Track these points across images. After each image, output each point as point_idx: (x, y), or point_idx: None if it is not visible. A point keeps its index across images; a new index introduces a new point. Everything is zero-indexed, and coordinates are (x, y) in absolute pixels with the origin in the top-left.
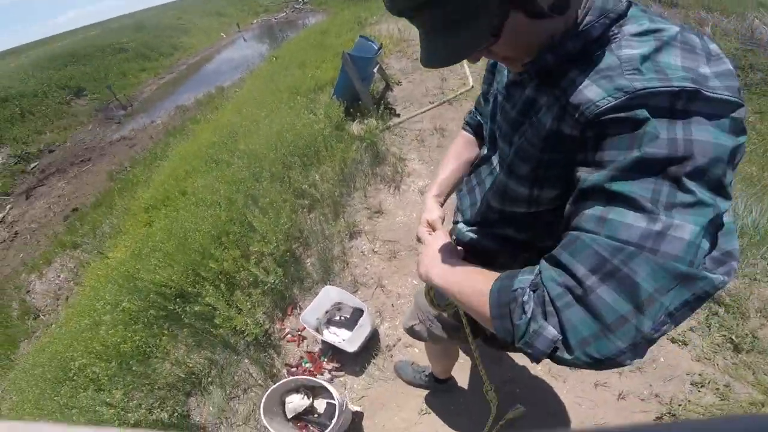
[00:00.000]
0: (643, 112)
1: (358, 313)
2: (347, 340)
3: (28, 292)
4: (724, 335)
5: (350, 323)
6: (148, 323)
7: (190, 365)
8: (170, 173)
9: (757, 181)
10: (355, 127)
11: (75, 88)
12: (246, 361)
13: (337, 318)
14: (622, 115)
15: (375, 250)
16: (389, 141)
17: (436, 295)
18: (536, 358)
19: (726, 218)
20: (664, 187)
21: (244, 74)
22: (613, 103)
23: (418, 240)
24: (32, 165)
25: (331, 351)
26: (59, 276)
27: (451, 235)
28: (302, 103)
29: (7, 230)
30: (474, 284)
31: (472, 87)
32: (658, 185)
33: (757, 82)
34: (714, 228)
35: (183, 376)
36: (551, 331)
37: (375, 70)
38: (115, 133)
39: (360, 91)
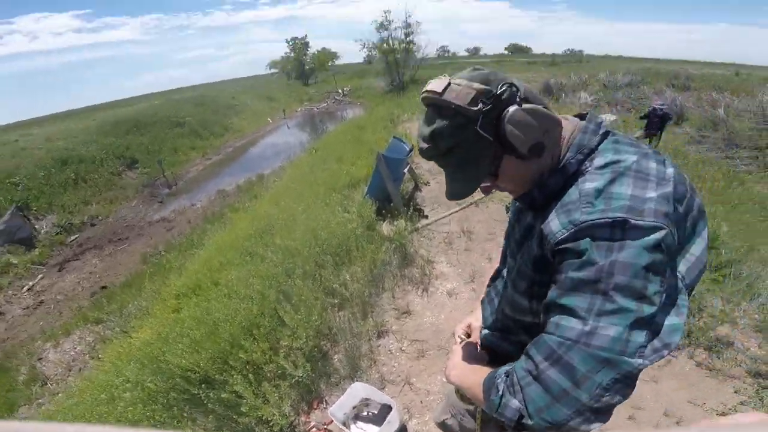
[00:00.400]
0: (586, 242)
1: (385, 409)
2: None
3: (40, 359)
4: None
5: (378, 419)
6: (168, 405)
7: None
8: (204, 263)
9: None
10: (386, 228)
11: (129, 159)
12: None
13: (365, 413)
14: (570, 245)
15: (403, 348)
16: (417, 243)
17: None
18: (508, 425)
19: (674, 319)
20: (596, 299)
21: (285, 163)
22: (565, 235)
23: (454, 336)
24: (72, 237)
25: None
26: (75, 348)
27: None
28: (337, 200)
29: (33, 298)
30: (477, 379)
31: None
32: (592, 299)
33: None
34: (648, 327)
35: None
36: (515, 403)
37: (405, 170)
38: (156, 213)
39: (391, 192)
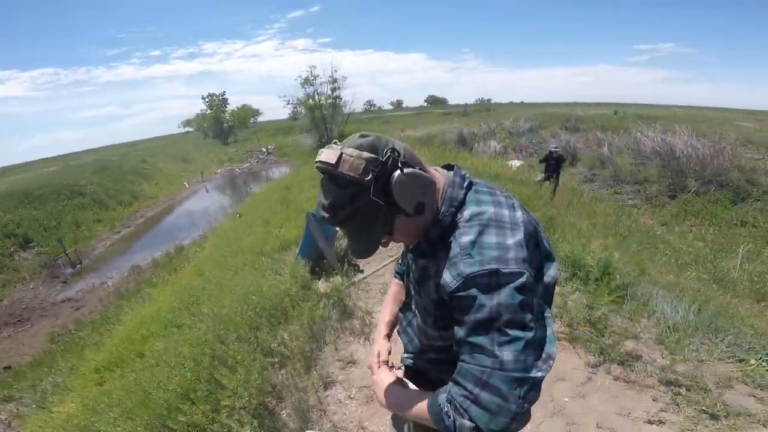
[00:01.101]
0: (474, 291)
1: None
2: None
3: None
4: (695, 408)
5: None
6: None
7: None
8: (125, 337)
9: (675, 286)
10: (322, 285)
11: (22, 237)
12: None
13: None
14: (462, 294)
15: (351, 396)
16: (355, 296)
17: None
18: None
19: (547, 332)
20: (495, 335)
21: (206, 231)
22: (457, 285)
23: (370, 369)
24: None
25: None
26: None
27: (401, 361)
28: (267, 264)
29: None
30: (419, 406)
31: None
32: (491, 335)
33: (655, 194)
34: (534, 346)
35: None
36: (467, 423)
37: (337, 228)
38: (59, 294)
39: (324, 251)
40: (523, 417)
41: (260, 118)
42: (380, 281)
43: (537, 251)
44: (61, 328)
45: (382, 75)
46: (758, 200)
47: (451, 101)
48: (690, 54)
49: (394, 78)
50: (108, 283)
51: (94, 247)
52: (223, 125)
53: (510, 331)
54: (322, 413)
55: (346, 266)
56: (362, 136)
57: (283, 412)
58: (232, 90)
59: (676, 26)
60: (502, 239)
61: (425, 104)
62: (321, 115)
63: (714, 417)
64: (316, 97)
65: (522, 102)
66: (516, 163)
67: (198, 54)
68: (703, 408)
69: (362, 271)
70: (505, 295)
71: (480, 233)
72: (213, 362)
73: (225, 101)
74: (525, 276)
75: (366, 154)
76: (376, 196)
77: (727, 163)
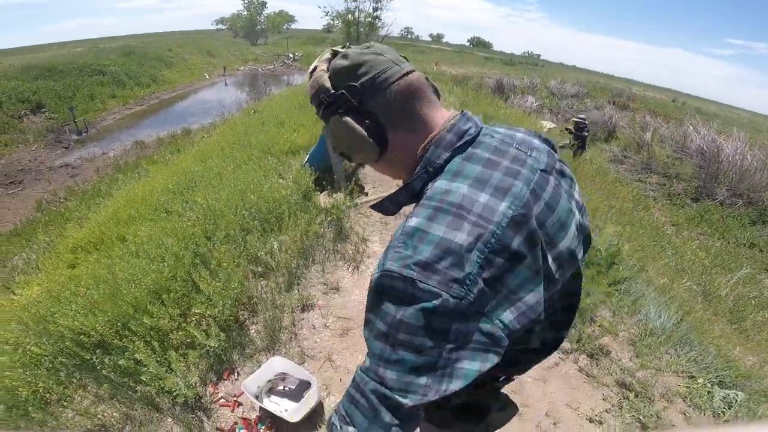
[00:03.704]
0: (384, 290)
1: (304, 385)
2: (291, 410)
3: None
4: (634, 416)
5: (294, 394)
6: (54, 369)
7: (101, 417)
8: (111, 215)
9: (668, 291)
10: (323, 199)
11: (35, 104)
12: (169, 420)
13: (281, 388)
14: (374, 289)
15: (327, 325)
16: (354, 219)
17: None
18: None
19: (469, 364)
20: (386, 349)
21: (217, 120)
22: (375, 276)
23: None
24: None
25: (269, 420)
26: None
27: None
28: (272, 164)
29: None
30: None
31: None
32: (383, 347)
33: (678, 193)
34: (423, 371)
35: (91, 428)
36: (351, 429)
37: None
38: (59, 159)
39: (334, 164)
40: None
41: (294, 26)
42: None
43: (533, 252)
44: (52, 194)
45: (427, 5)
46: None
47: (497, 47)
48: None
49: (440, 12)
50: (109, 155)
51: (104, 119)
52: (255, 27)
53: (401, 352)
54: (293, 336)
55: (351, 185)
56: (348, 49)
57: (253, 327)
58: None
59: None
60: (450, 235)
61: (467, 44)
62: (357, 31)
63: (644, 427)
64: (356, 13)
65: (575, 66)
66: (548, 124)
67: None
68: (640, 417)
69: (367, 194)
70: (410, 314)
71: (431, 218)
72: (195, 260)
73: (264, 4)
74: (440, 300)
75: (323, 80)
76: (323, 118)
77: (766, 180)
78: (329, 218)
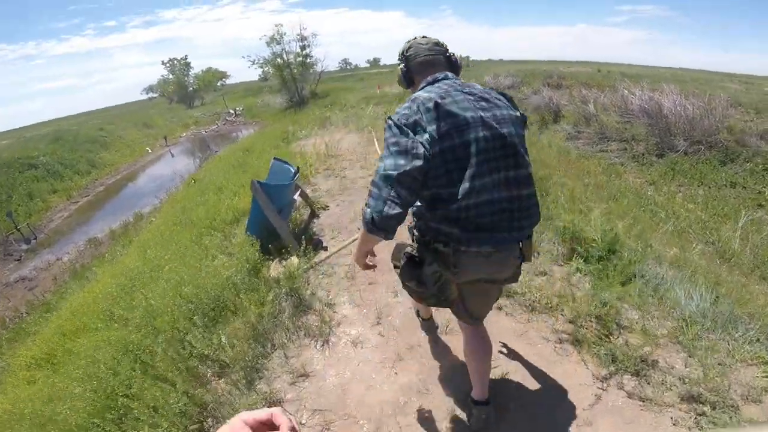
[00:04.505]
0: (386, 126)
1: None
2: None
3: None
4: None
5: None
6: None
7: None
8: (57, 328)
9: (684, 264)
10: (274, 269)
11: None
12: None
13: None
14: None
15: (303, 422)
16: (315, 282)
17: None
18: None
19: (398, 158)
20: (385, 150)
21: (163, 199)
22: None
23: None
24: None
25: None
26: None
27: None
28: (215, 241)
29: None
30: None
31: None
32: (385, 150)
33: (641, 153)
34: (398, 155)
35: None
36: (366, 209)
37: (296, 195)
38: (13, 273)
39: (276, 226)
40: (397, 203)
41: (229, 81)
42: (347, 261)
43: (448, 119)
44: (13, 311)
45: (357, 34)
46: (748, 161)
47: None
48: (670, 17)
49: (371, 37)
50: (63, 259)
51: (51, 219)
52: (187, 89)
53: (389, 149)
54: None
55: (305, 243)
56: (423, 37)
57: None
58: (195, 54)
59: None
60: (404, 106)
61: None
62: (291, 74)
63: None
64: (284, 56)
65: (501, 59)
66: None
67: (156, 21)
68: None
69: (326, 248)
70: (390, 131)
71: (406, 102)
72: (133, 370)
73: (188, 65)
74: (391, 122)
75: (405, 46)
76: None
77: (717, 124)
78: (284, 290)
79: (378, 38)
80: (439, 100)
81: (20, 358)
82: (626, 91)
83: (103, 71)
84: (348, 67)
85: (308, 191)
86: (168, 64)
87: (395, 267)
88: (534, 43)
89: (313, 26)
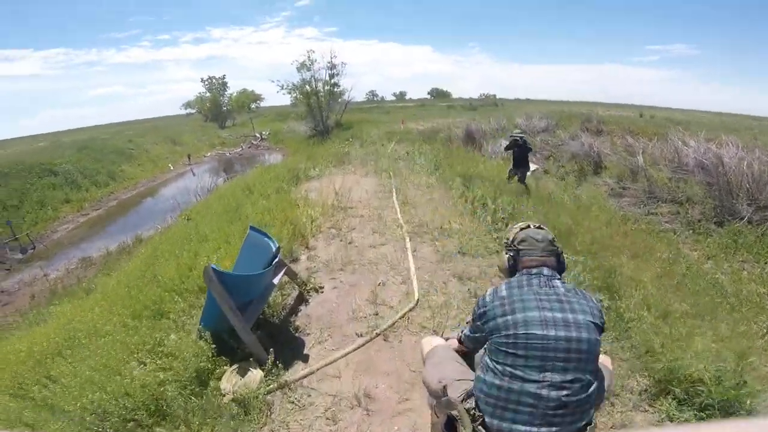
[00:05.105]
0: (474, 308)
1: None
2: None
3: None
4: None
5: None
6: None
7: None
8: None
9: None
10: (227, 380)
11: None
12: None
13: None
14: None
15: None
16: (280, 416)
17: None
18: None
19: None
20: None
21: (153, 233)
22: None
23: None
24: None
25: None
26: None
27: None
28: (168, 324)
29: None
30: None
31: (418, 302)
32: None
33: (697, 219)
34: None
35: None
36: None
37: (276, 279)
38: None
39: (236, 327)
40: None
41: (264, 104)
42: (331, 388)
43: (511, 315)
44: None
45: (386, 66)
46: None
47: (455, 95)
48: (699, 56)
49: (398, 69)
50: (51, 276)
51: (55, 230)
52: (221, 108)
53: (469, 323)
54: None
55: (273, 354)
56: (523, 229)
57: None
58: (240, 75)
59: (687, 27)
60: (489, 293)
61: (428, 96)
62: (317, 102)
63: None
64: (313, 83)
65: (528, 99)
66: (532, 167)
67: (206, 39)
68: None
69: (306, 358)
70: (475, 306)
71: (491, 288)
72: None
73: (224, 84)
74: (476, 305)
75: (509, 234)
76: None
77: None
78: (238, 416)
79: (405, 71)
80: (506, 298)
81: None
82: (679, 142)
83: (156, 83)
84: (375, 98)
85: (303, 259)
86: (206, 82)
87: (432, 409)
88: (558, 80)
89: (344, 56)
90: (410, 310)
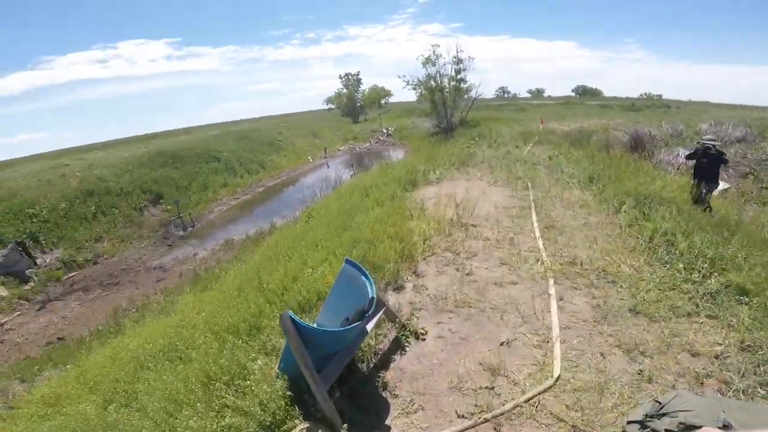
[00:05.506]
0: None
1: None
2: None
3: None
4: None
5: None
6: None
7: None
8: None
9: None
10: None
11: (155, 194)
12: None
13: None
14: None
15: None
16: None
17: None
18: None
19: None
20: None
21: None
22: None
23: None
24: (69, 275)
25: None
26: None
27: None
28: (260, 343)
29: None
30: None
31: (558, 379)
32: None
33: None
34: None
35: None
36: None
37: (371, 324)
38: (158, 259)
39: (313, 390)
40: None
41: (392, 100)
42: None
43: None
44: (129, 302)
45: (518, 62)
46: None
47: (607, 93)
48: None
49: (533, 65)
50: (199, 255)
51: (211, 210)
52: (355, 104)
53: None
54: None
55: (346, 428)
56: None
57: None
58: (371, 71)
59: None
60: None
61: (573, 94)
62: (442, 98)
63: None
64: (438, 79)
65: (707, 101)
66: (721, 185)
67: (344, 37)
68: None
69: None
70: None
71: None
72: None
73: (359, 81)
74: None
75: None
76: None
77: None
78: None
79: (542, 67)
80: None
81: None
82: None
83: (302, 80)
84: (506, 95)
85: (408, 289)
86: (343, 79)
87: None
88: (739, 85)
89: (471, 51)
90: (545, 390)
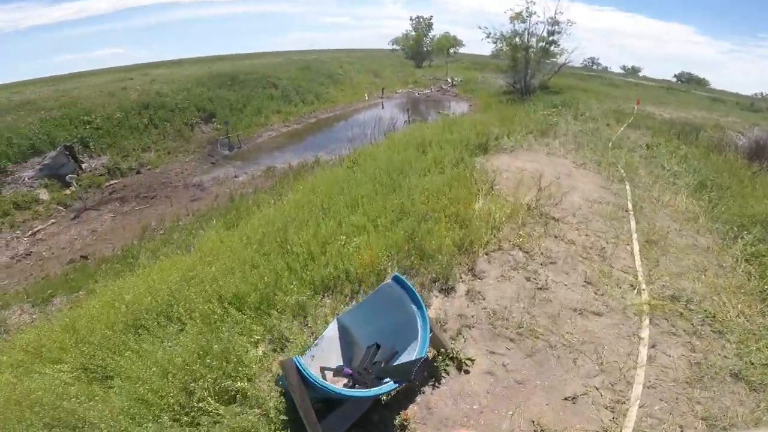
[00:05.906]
0: None
1: None
2: None
3: None
4: None
5: None
6: None
7: None
8: (85, 315)
9: None
10: None
11: (209, 112)
12: None
13: None
14: None
15: None
16: None
17: None
18: None
19: None
20: None
21: (337, 158)
22: None
23: None
24: (111, 182)
25: None
26: None
27: None
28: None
29: (27, 245)
30: None
31: None
32: None
33: None
34: None
35: None
36: None
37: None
38: (198, 176)
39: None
40: None
41: (462, 50)
42: None
43: None
44: (159, 222)
45: (620, 34)
46: None
47: (715, 85)
48: None
49: (636, 41)
50: (238, 179)
51: (261, 135)
52: (422, 49)
53: None
54: None
55: None
56: None
57: None
58: (444, 19)
59: None
60: None
61: (674, 80)
62: (525, 57)
63: None
64: (526, 37)
65: None
66: None
67: None
68: None
69: None
70: None
71: None
72: None
73: (430, 26)
74: None
75: None
76: None
77: None
78: None
79: (645, 47)
80: None
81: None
82: None
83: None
84: (594, 66)
85: (459, 293)
86: (414, 21)
87: None
88: None
89: (570, 15)
90: None
